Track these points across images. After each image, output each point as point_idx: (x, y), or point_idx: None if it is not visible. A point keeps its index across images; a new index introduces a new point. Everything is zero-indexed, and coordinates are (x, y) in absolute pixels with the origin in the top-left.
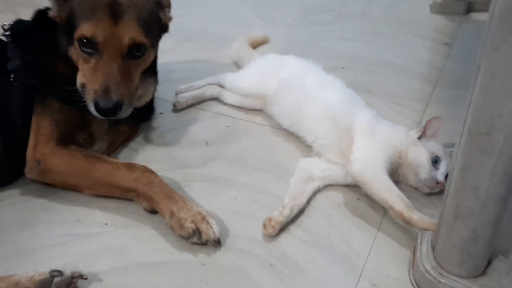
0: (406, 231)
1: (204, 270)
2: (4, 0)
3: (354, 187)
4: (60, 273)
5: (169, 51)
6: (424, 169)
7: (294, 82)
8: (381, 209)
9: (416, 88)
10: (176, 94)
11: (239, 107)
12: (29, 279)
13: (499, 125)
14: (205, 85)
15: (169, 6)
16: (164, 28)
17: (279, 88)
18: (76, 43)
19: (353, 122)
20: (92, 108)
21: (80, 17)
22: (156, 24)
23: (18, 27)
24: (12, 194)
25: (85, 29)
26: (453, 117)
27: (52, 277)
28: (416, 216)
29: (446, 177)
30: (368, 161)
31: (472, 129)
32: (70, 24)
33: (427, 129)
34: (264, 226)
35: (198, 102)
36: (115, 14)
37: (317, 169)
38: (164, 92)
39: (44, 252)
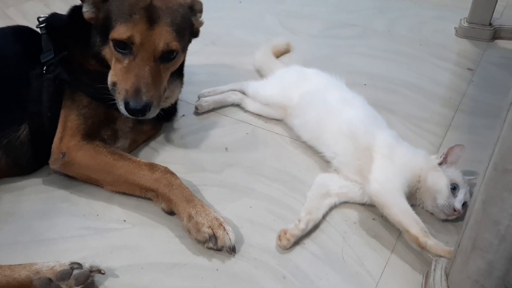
0: (420, 255)
1: (218, 275)
2: None
3: (370, 207)
4: (79, 265)
5: (193, 53)
6: (443, 196)
7: (317, 96)
8: (396, 231)
9: (437, 112)
10: (199, 97)
11: (259, 116)
12: (50, 269)
13: None
14: (228, 90)
15: (201, 11)
16: (195, 33)
17: (301, 101)
18: (111, 43)
19: (373, 142)
20: (121, 107)
21: (117, 19)
22: (188, 29)
23: (53, 20)
24: (35, 183)
25: (122, 30)
26: (472, 144)
27: (72, 269)
28: (431, 242)
29: (463, 205)
30: (386, 182)
31: (498, 164)
32: (106, 25)
33: (448, 156)
34: (279, 237)
35: (219, 107)
36: (151, 19)
37: (335, 185)
38: (187, 94)
39: (62, 243)
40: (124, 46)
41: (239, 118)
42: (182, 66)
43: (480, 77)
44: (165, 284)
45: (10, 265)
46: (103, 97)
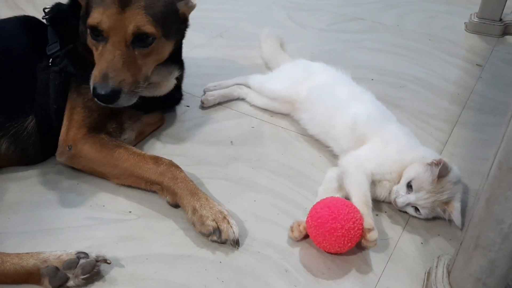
0: (423, 251)
1: (221, 268)
2: None
3: (374, 203)
4: (86, 255)
5: (200, 46)
6: (400, 183)
7: (325, 91)
8: (400, 226)
9: (444, 108)
10: (205, 91)
11: (265, 109)
12: (57, 258)
13: None
14: (233, 84)
15: None
16: (183, 19)
17: (309, 95)
18: (88, 31)
19: (378, 132)
20: (91, 93)
21: (93, 5)
22: (171, 15)
23: (55, 11)
24: (43, 173)
25: (94, 16)
26: (479, 142)
27: (78, 258)
28: (369, 218)
29: (417, 210)
30: (363, 161)
31: (503, 163)
32: (87, 12)
33: (440, 167)
34: (291, 228)
35: (225, 101)
36: (123, 2)
37: None
38: (193, 86)
39: (69, 232)
40: (97, 32)
41: (245, 112)
42: (177, 53)
43: (488, 74)
44: (169, 275)
45: (18, 254)
46: None
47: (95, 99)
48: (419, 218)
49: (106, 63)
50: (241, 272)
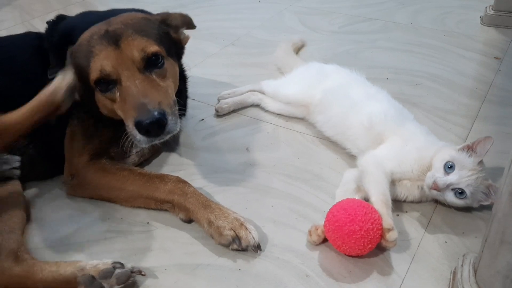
0: (447, 250)
1: (240, 275)
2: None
3: (394, 202)
4: (121, 265)
5: (213, 55)
6: (434, 168)
7: (339, 92)
8: (422, 225)
9: (463, 103)
10: (219, 99)
11: (280, 115)
12: (94, 267)
13: None
14: (247, 91)
15: (177, 26)
16: (178, 44)
17: (324, 97)
18: (96, 91)
19: (395, 130)
20: (138, 137)
21: (85, 65)
22: (165, 35)
23: (57, 35)
24: (61, 189)
25: (94, 68)
26: (501, 135)
27: (114, 268)
28: (388, 218)
29: (461, 193)
30: (382, 160)
31: None
32: (84, 80)
33: (475, 146)
34: (309, 233)
35: (239, 108)
36: (113, 39)
37: None
38: (207, 96)
39: (89, 246)
40: (105, 83)
41: (259, 118)
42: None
43: (507, 66)
44: (189, 285)
45: (56, 262)
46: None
47: (146, 140)
48: (441, 217)
49: (134, 97)
50: (260, 278)
